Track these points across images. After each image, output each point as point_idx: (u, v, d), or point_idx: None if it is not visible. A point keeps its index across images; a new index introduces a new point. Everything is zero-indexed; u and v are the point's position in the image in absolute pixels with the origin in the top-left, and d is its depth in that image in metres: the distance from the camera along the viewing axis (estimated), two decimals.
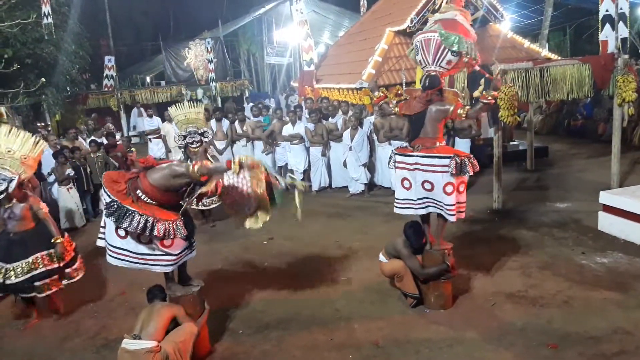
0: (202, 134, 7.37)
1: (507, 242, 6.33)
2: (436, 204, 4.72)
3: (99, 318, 5.21)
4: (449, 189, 4.55)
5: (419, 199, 4.79)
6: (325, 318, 4.85)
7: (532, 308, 4.72)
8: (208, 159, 7.18)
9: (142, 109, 16.51)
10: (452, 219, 4.63)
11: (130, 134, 16.21)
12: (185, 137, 7.30)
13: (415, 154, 4.74)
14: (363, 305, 5.04)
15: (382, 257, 5.03)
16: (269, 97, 20.10)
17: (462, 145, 8.55)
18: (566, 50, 19.04)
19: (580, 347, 4.04)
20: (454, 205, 4.57)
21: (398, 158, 4.88)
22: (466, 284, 5.23)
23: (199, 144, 7.35)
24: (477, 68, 4.82)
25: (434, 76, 4.65)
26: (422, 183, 4.70)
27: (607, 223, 6.38)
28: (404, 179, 4.83)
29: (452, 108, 4.58)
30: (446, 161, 4.51)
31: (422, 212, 4.85)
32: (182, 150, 7.61)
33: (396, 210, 4.98)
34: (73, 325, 5.10)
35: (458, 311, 4.80)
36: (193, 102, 7.75)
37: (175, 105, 7.63)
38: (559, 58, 9.98)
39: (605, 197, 6.44)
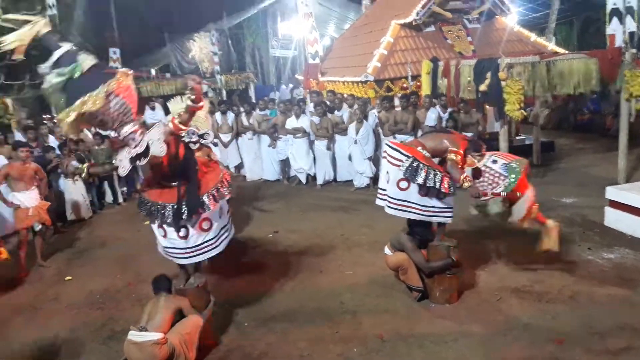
0: (202, 136, 6.68)
1: (512, 237, 6.29)
2: (387, 198, 4.78)
3: (105, 309, 5.23)
4: (403, 184, 4.61)
5: (382, 189, 4.91)
6: (330, 311, 4.86)
7: (538, 303, 4.72)
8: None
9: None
10: (390, 211, 4.72)
11: None
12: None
13: (388, 143, 4.88)
14: (368, 299, 5.05)
15: (387, 250, 5.03)
16: (274, 89, 20.06)
17: None
18: (573, 44, 18.90)
19: (586, 342, 4.04)
20: (402, 201, 4.64)
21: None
22: (472, 279, 5.23)
23: (196, 147, 6.67)
24: None
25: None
26: (386, 173, 4.80)
27: (614, 219, 6.36)
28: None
29: (454, 149, 4.63)
30: (403, 158, 4.57)
31: (379, 202, 4.91)
32: None
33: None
34: (80, 316, 5.13)
35: (463, 306, 4.80)
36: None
37: (173, 99, 6.46)
38: (566, 52, 9.92)
39: (612, 193, 6.41)
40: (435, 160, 4.73)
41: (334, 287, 5.34)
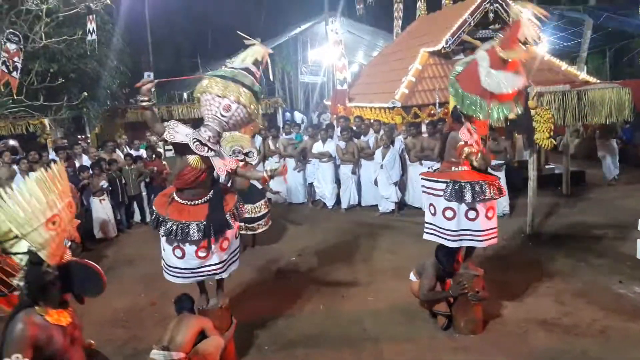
0: (246, 154, 7.10)
1: (540, 268, 6.18)
2: (436, 230, 4.71)
3: (128, 327, 5.29)
4: (449, 214, 4.55)
5: (427, 223, 4.83)
6: (352, 337, 4.81)
7: (566, 336, 4.58)
8: (251, 182, 7.18)
9: None
10: (450, 244, 4.59)
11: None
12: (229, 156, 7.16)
13: (423, 177, 4.86)
14: (391, 326, 4.98)
15: (412, 277, 4.99)
16: (293, 110, 20.31)
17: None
18: (605, 73, 18.64)
19: None
20: (454, 230, 4.55)
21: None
22: (497, 309, 5.12)
23: (241, 164, 7.06)
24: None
25: (455, 107, 4.61)
26: (429, 206, 4.77)
27: None
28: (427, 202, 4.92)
29: (461, 143, 4.50)
30: (442, 185, 4.53)
31: (427, 237, 4.82)
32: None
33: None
34: (104, 333, 5.19)
35: (488, 337, 4.69)
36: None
37: None
38: (598, 81, 9.79)
39: None
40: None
41: (356, 313, 5.30)
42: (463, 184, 4.42)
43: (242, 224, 7.16)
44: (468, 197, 4.39)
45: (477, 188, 4.40)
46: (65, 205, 2.68)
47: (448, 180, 4.50)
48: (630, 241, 6.48)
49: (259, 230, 7.30)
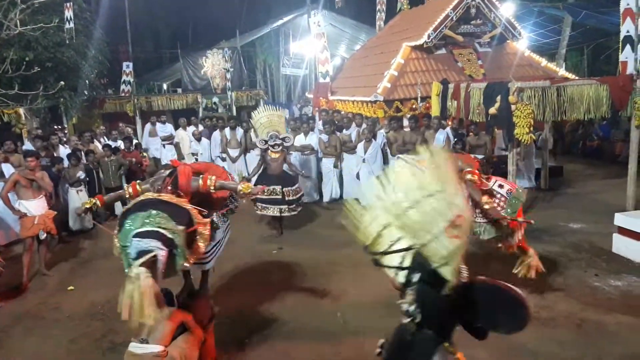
0: (283, 139, 7.43)
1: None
2: None
3: (106, 321, 5.21)
4: None
5: None
6: (333, 330, 4.80)
7: (544, 329, 4.64)
8: (284, 167, 7.54)
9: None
10: None
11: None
12: (266, 141, 7.41)
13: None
14: (371, 319, 4.97)
15: None
16: (282, 106, 20.18)
17: None
18: (583, 70, 18.94)
19: None
20: None
21: None
22: None
23: (280, 148, 7.43)
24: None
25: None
26: None
27: (622, 245, 6.28)
28: None
29: (464, 167, 4.65)
30: None
31: None
32: (261, 154, 7.76)
33: None
34: (81, 326, 5.11)
35: None
36: (276, 107, 7.89)
37: (258, 109, 7.75)
38: (576, 78, 9.94)
39: (620, 219, 6.35)
40: None
41: (337, 306, 5.29)
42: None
43: (285, 206, 7.42)
44: None
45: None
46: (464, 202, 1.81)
47: None
48: (607, 235, 6.60)
49: (298, 210, 7.62)
